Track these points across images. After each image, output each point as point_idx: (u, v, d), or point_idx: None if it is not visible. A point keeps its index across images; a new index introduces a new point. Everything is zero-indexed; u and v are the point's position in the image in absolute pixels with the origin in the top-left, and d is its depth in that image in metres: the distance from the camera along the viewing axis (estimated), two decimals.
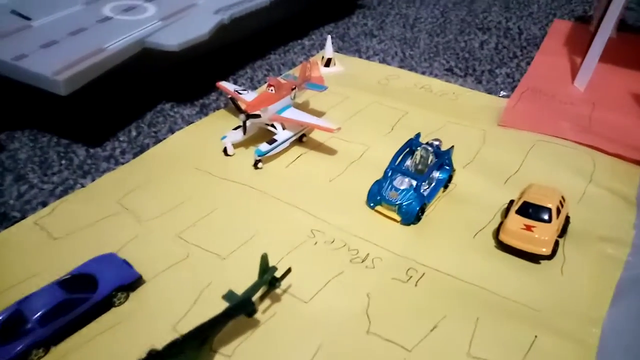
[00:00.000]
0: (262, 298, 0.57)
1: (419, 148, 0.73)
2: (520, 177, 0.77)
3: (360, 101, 0.95)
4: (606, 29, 0.96)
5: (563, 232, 0.66)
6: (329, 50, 1.03)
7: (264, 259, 0.55)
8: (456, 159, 0.79)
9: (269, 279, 0.56)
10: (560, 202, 0.64)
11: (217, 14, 0.94)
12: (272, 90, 0.78)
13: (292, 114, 0.79)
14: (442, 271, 0.62)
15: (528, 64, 1.10)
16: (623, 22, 1.31)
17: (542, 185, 0.67)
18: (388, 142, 0.80)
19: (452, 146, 0.74)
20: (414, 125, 0.88)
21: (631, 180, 0.76)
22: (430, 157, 0.72)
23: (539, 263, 0.63)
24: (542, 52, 1.15)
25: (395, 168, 0.70)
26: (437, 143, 0.73)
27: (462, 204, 0.72)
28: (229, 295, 0.55)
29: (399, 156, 0.72)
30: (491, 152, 0.82)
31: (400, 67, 1.08)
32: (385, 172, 0.70)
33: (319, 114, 0.90)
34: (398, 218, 0.68)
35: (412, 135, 0.78)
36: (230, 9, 0.96)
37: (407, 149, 0.74)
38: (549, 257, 0.62)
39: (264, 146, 0.76)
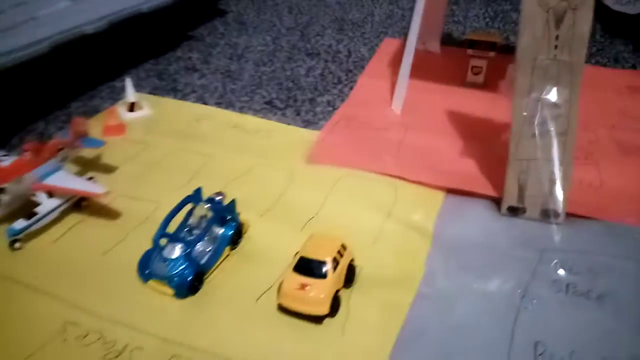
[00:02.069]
0: None
1: (197, 206, 0.66)
2: (319, 220, 0.72)
3: (162, 149, 0.86)
4: (411, 47, 0.96)
5: (349, 282, 0.61)
6: (130, 94, 0.94)
7: None
8: (255, 207, 0.74)
9: None
10: (339, 252, 0.60)
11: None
12: (27, 155, 0.68)
13: (58, 179, 0.69)
14: (215, 351, 0.54)
15: (351, 88, 1.08)
16: (449, 36, 1.35)
17: (322, 234, 0.63)
18: (183, 196, 0.73)
19: (234, 199, 0.67)
20: (218, 172, 0.81)
21: (432, 208, 0.74)
22: (209, 215, 0.65)
23: (322, 323, 0.58)
24: (366, 75, 1.13)
25: (164, 235, 0.62)
26: (218, 198, 0.67)
27: (250, 262, 0.66)
28: None
29: (171, 219, 0.64)
30: (294, 194, 0.77)
31: (218, 103, 1.01)
32: (154, 240, 0.62)
33: (109, 169, 0.81)
34: (171, 292, 0.60)
35: (213, 184, 0.71)
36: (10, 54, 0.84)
37: (190, 208, 0.66)
38: (330, 315, 0.57)
39: (19, 223, 0.65)
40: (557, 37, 0.67)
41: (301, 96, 1.05)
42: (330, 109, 1.00)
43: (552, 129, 0.70)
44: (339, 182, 0.79)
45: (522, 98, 0.70)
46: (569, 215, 0.72)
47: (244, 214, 0.71)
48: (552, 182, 0.70)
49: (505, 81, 1.01)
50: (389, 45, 1.27)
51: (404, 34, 1.36)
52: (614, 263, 0.65)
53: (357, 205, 0.74)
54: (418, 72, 1.11)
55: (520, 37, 0.68)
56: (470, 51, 1.06)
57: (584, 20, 0.66)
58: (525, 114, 0.70)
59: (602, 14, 1.51)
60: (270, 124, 0.94)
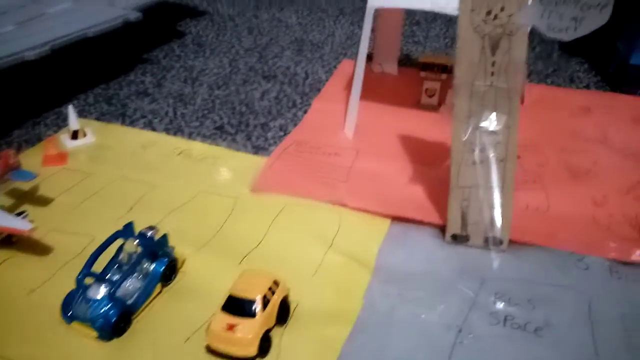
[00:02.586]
0: None
1: (127, 241, 0.63)
2: (258, 253, 0.70)
3: (103, 178, 0.84)
4: (360, 70, 0.95)
5: (283, 319, 0.59)
6: (72, 122, 0.91)
7: None
8: (193, 239, 0.71)
9: None
10: (271, 289, 0.57)
11: None
12: None
13: None
14: None
15: (306, 112, 1.07)
16: (408, 57, 1.35)
17: (254, 271, 0.61)
18: (119, 228, 0.70)
19: (165, 234, 0.65)
20: (159, 202, 0.79)
21: (376, 237, 0.73)
22: (138, 251, 0.62)
23: None
24: (321, 98, 1.12)
25: (88, 274, 0.59)
26: (150, 232, 0.64)
27: (183, 299, 0.63)
28: None
29: (97, 257, 0.61)
30: (235, 225, 0.75)
31: (167, 129, 0.99)
32: (77, 280, 0.59)
33: (45, 201, 0.78)
34: (94, 334, 0.57)
35: (152, 215, 0.69)
36: None
37: (121, 243, 0.64)
38: (260, 356, 0.55)
39: None
40: (493, 64, 0.67)
41: (254, 121, 1.03)
42: (282, 133, 0.99)
43: (491, 155, 0.69)
44: (282, 211, 0.77)
45: (461, 125, 0.69)
46: (514, 242, 0.71)
47: (181, 247, 0.68)
48: (494, 210, 0.70)
49: (446, 106, 1.00)
50: (346, 67, 1.27)
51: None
52: (554, 293, 0.64)
53: (299, 236, 0.73)
54: (374, 94, 1.11)
55: (456, 64, 0.67)
56: (423, 74, 1.05)
57: (520, 47, 0.66)
58: (464, 140, 0.69)
59: None
60: (218, 151, 0.92)
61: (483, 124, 0.68)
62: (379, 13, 1.20)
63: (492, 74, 0.67)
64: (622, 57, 1.18)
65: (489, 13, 0.65)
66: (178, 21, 1.54)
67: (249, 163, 0.88)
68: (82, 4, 1.13)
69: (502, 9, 0.64)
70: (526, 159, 0.91)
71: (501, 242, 0.70)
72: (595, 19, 0.61)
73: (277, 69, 1.26)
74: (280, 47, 1.39)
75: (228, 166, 0.88)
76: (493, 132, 0.68)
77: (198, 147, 0.93)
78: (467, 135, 0.69)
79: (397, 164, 0.89)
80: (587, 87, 1.22)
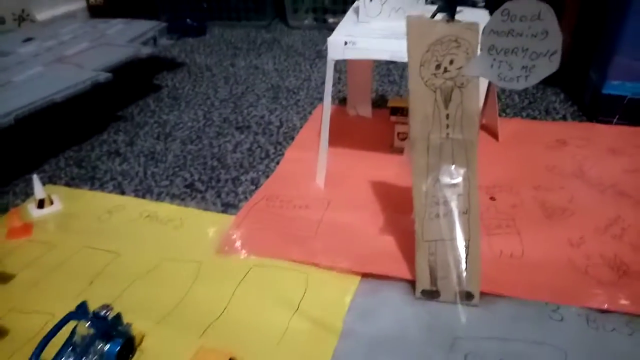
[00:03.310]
0: None
1: (79, 323, 0.61)
2: (221, 323, 0.67)
3: (67, 249, 0.82)
4: (326, 117, 0.94)
5: None
6: (38, 191, 0.90)
7: None
8: (155, 311, 0.69)
9: None
10: None
11: None
12: None
13: None
14: None
15: (278, 162, 1.06)
16: (383, 98, 1.35)
17: (209, 350, 0.59)
18: (78, 303, 0.68)
19: (119, 313, 0.63)
20: (122, 272, 0.77)
21: (344, 297, 0.71)
22: (90, 332, 0.60)
23: None
24: (294, 147, 1.12)
25: None
26: (104, 312, 0.62)
27: None
28: None
29: (48, 342, 0.59)
30: (199, 293, 0.73)
31: (136, 190, 0.98)
32: None
33: (6, 278, 0.76)
34: None
35: (114, 287, 0.67)
36: None
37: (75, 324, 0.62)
38: None
39: None
40: (447, 116, 0.66)
41: (225, 175, 1.02)
42: (253, 187, 0.98)
43: (454, 208, 0.67)
44: (248, 275, 0.75)
45: (421, 178, 0.67)
46: (487, 294, 0.69)
47: (142, 320, 0.66)
48: (461, 263, 0.67)
49: (405, 156, 0.98)
50: (321, 112, 1.26)
51: (338, 99, 1.37)
52: (528, 350, 0.61)
53: (264, 301, 0.70)
54: (347, 139, 1.10)
55: (410, 117, 0.66)
56: (393, 118, 1.05)
57: (472, 98, 0.65)
58: (425, 194, 0.68)
59: None
60: (185, 212, 0.90)
61: (442, 177, 0.67)
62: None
63: (447, 126, 0.66)
64: (595, 86, 1.17)
65: (438, 67, 0.64)
66: (155, 74, 1.55)
67: (216, 223, 0.87)
68: (52, 69, 1.13)
69: (451, 62, 0.63)
70: (500, 201, 0.90)
71: (472, 297, 0.68)
72: (546, 67, 0.61)
73: (252, 118, 1.26)
74: (256, 95, 1.39)
75: (195, 227, 0.86)
76: (453, 185, 0.67)
77: (165, 208, 0.91)
78: (427, 189, 0.67)
79: (368, 214, 0.87)
80: (564, 118, 1.21)
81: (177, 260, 0.79)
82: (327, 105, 0.93)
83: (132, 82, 1.46)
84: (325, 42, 0.85)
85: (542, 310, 0.67)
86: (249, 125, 1.23)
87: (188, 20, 1.94)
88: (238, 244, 0.81)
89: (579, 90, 1.28)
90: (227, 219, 0.87)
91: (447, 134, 0.66)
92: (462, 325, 0.65)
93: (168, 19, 1.87)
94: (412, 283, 0.72)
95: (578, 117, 1.20)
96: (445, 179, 0.67)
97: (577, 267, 0.74)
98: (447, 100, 0.65)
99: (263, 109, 1.31)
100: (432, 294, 0.69)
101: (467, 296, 0.68)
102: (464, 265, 0.68)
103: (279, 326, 0.66)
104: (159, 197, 0.95)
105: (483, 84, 0.77)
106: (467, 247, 0.68)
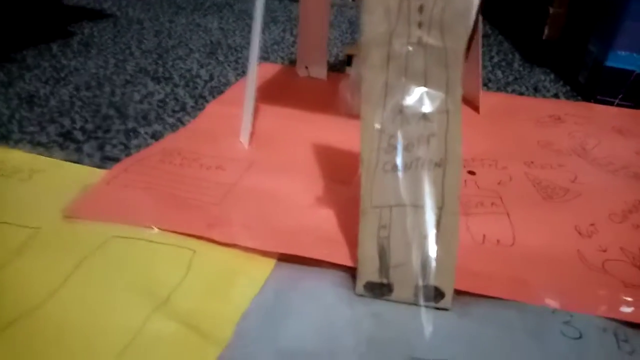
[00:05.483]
0: None
1: None
2: (39, 317, 0.41)
3: None
4: (252, 66, 0.70)
5: None
6: None
7: None
8: None
9: None
10: None
11: None
12: None
13: None
14: None
15: (195, 117, 0.80)
16: (344, 63, 1.11)
17: None
18: None
19: None
20: None
21: (245, 290, 0.45)
22: None
23: None
24: (220, 101, 0.86)
25: None
26: None
27: None
28: None
29: None
30: (19, 273, 0.46)
31: None
32: None
33: None
34: None
35: None
36: None
37: None
38: None
39: None
40: (421, 9, 0.42)
41: (119, 126, 0.76)
42: (152, 141, 0.72)
43: (421, 155, 0.43)
44: (101, 249, 0.49)
45: (373, 108, 0.43)
46: (462, 293, 0.45)
47: None
48: (429, 245, 0.43)
49: (349, 82, 0.72)
50: (264, 70, 1.02)
51: (288, 60, 1.13)
52: None
53: (114, 288, 0.44)
54: (291, 100, 0.86)
55: (365, 10, 0.42)
56: (349, 69, 0.81)
57: None
58: (379, 132, 0.43)
59: (521, 41, 1.34)
60: (39, 161, 0.63)
61: (407, 105, 0.43)
62: (302, 6, 0.98)
63: (420, 25, 0.42)
64: (596, 60, 0.97)
65: None
66: (72, 23, 1.28)
67: (80, 179, 0.60)
68: None
69: None
70: (482, 176, 0.67)
71: (442, 295, 0.44)
72: None
73: (175, 70, 1.00)
74: (189, 49, 1.13)
75: (45, 183, 0.59)
76: (424, 118, 0.43)
77: (15, 157, 0.64)
78: (383, 125, 0.43)
79: (300, 180, 0.62)
80: (556, 96, 1.00)
81: (7, 224, 0.52)
82: (254, 43, 0.68)
83: (38, 26, 1.19)
84: (284, 12, 0.61)
85: (547, 320, 0.43)
86: (169, 76, 0.97)
87: None
88: (99, 205, 0.54)
89: (572, 70, 1.08)
90: (98, 174, 0.61)
91: (419, 37, 0.42)
92: (423, 341, 0.41)
93: None
94: (351, 272, 0.47)
95: (572, 97, 1.00)
96: (412, 109, 0.43)
97: (590, 262, 0.51)
98: None
99: (192, 63, 1.05)
100: (380, 289, 0.45)
101: (435, 294, 0.44)
102: (432, 248, 0.43)
103: (128, 327, 0.40)
104: (15, 145, 0.68)
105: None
106: (438, 220, 0.43)
